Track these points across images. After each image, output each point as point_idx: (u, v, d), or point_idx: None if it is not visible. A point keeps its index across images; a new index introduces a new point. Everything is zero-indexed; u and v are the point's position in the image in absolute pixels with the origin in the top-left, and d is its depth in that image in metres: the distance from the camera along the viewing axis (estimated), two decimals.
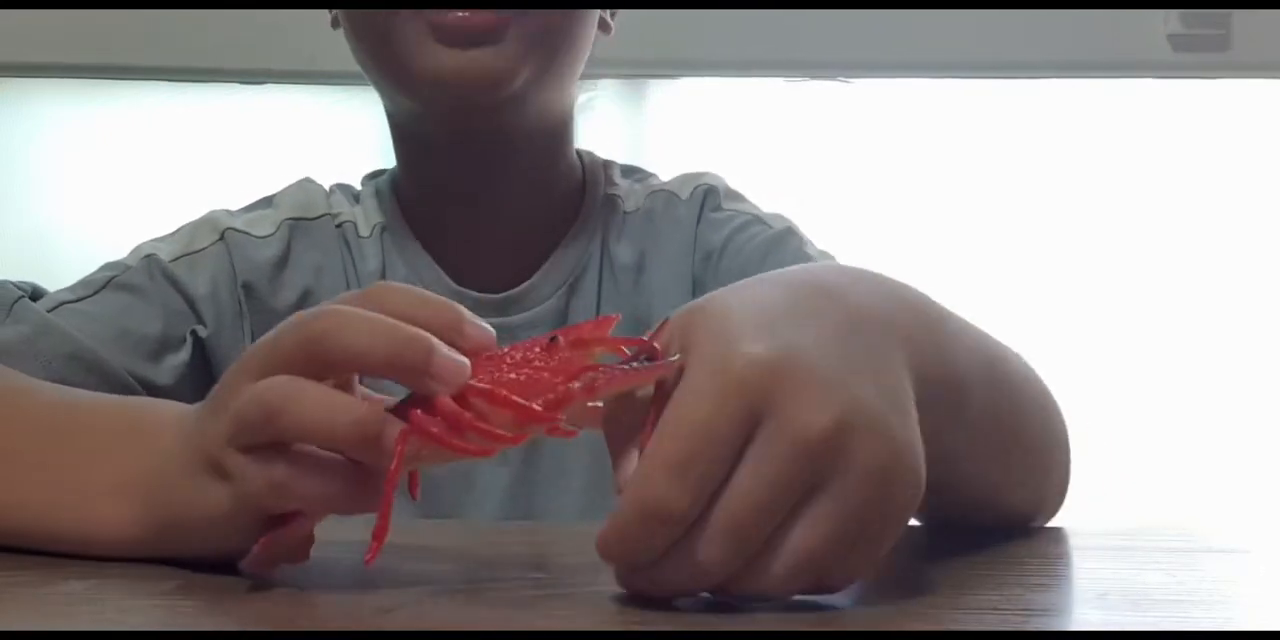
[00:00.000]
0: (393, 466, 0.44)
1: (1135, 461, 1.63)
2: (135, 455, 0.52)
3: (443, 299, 0.48)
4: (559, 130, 0.86)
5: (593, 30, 0.83)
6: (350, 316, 0.47)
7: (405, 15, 0.77)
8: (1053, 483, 0.65)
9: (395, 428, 0.44)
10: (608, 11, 0.87)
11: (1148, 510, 1.64)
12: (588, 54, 0.84)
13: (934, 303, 0.52)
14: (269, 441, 0.46)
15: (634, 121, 1.65)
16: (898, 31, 1.59)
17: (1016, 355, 0.61)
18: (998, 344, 0.59)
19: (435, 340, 0.45)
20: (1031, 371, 0.62)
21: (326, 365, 0.47)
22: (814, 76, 1.66)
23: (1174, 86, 1.65)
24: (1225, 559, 0.58)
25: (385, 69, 0.81)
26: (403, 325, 0.46)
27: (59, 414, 0.58)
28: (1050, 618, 0.46)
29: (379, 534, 0.45)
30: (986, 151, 1.67)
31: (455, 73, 0.77)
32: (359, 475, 0.46)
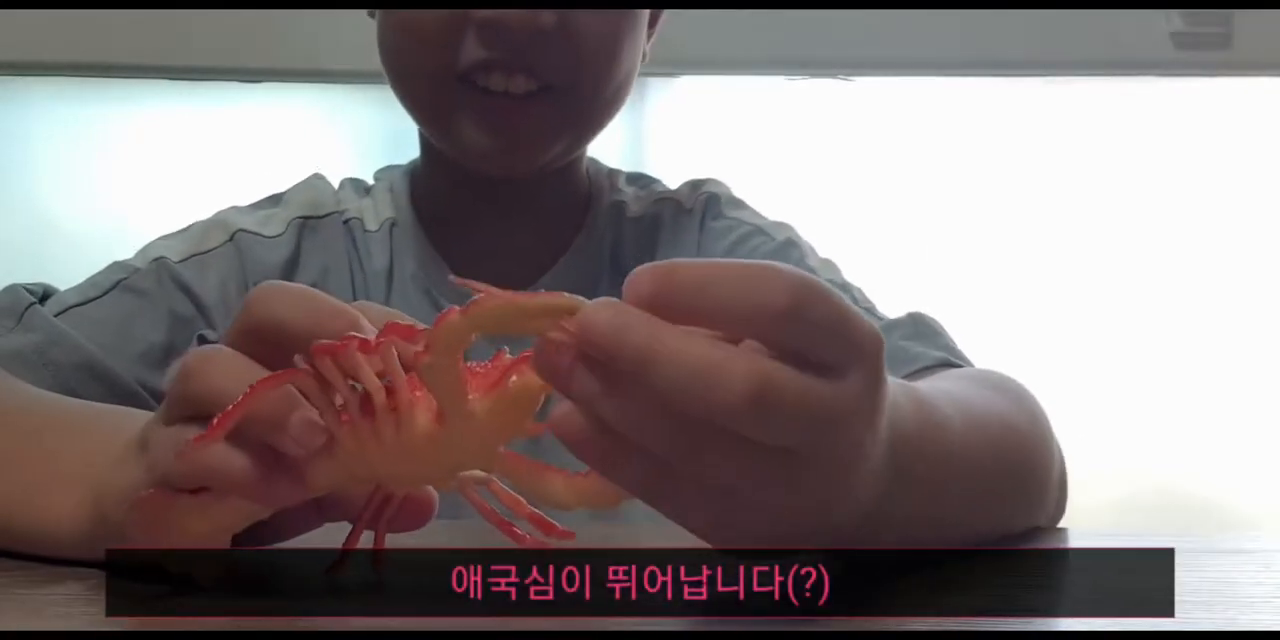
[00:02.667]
0: (226, 413, 0.42)
1: (1136, 462, 1.64)
2: (92, 454, 0.51)
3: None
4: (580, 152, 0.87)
5: (635, 77, 0.82)
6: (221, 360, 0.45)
7: (451, 89, 0.77)
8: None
9: (307, 412, 0.42)
10: (649, 41, 0.85)
11: (1149, 511, 1.64)
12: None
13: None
14: (190, 414, 0.45)
15: (634, 120, 1.65)
16: (899, 29, 1.59)
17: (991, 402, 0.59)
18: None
19: (298, 401, 0.43)
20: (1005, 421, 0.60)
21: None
22: (814, 74, 1.66)
23: (1176, 84, 1.65)
24: (1227, 559, 0.58)
25: (424, 127, 0.82)
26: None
27: (33, 417, 0.59)
28: (1050, 618, 0.46)
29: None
30: (988, 149, 1.67)
31: (489, 155, 0.78)
32: (273, 460, 0.43)
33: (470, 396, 0.42)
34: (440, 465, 0.44)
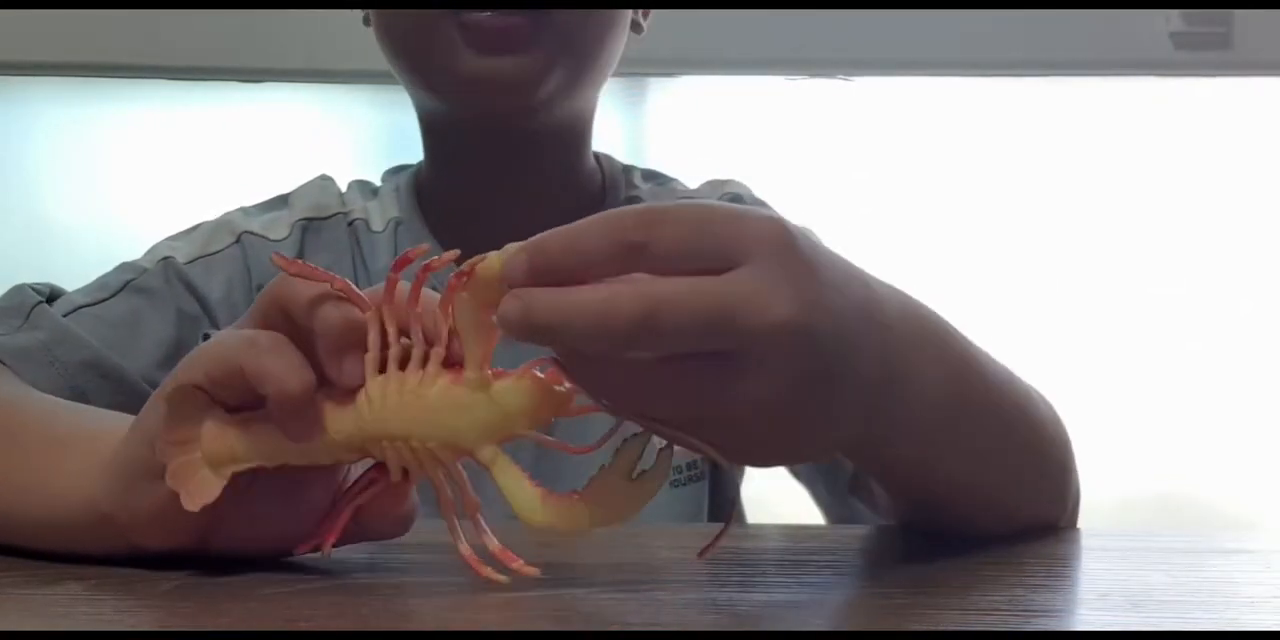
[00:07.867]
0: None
1: (1136, 462, 1.63)
2: (105, 446, 0.53)
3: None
4: (582, 131, 0.86)
5: (624, 33, 0.83)
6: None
7: (436, 17, 0.76)
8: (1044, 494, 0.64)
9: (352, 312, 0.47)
10: (640, 12, 0.86)
11: (1149, 511, 1.64)
12: (618, 57, 0.84)
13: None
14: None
15: (634, 120, 1.64)
16: (899, 29, 1.59)
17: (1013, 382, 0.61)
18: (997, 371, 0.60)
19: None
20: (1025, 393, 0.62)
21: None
22: (815, 75, 1.65)
23: (1176, 85, 1.65)
24: (1227, 559, 0.58)
25: (415, 71, 0.81)
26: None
27: (49, 418, 0.61)
28: (1051, 618, 0.46)
29: None
30: (988, 150, 1.66)
31: (484, 79, 0.77)
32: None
33: (491, 374, 0.45)
34: (442, 426, 0.45)
